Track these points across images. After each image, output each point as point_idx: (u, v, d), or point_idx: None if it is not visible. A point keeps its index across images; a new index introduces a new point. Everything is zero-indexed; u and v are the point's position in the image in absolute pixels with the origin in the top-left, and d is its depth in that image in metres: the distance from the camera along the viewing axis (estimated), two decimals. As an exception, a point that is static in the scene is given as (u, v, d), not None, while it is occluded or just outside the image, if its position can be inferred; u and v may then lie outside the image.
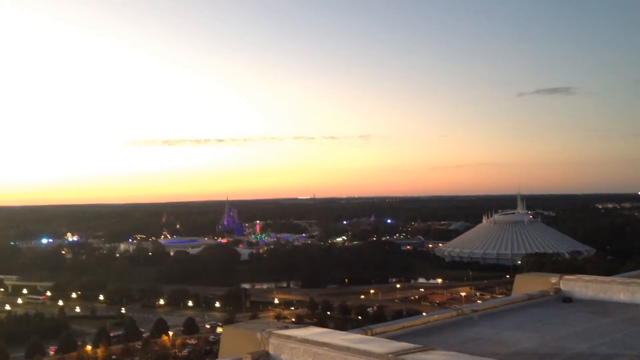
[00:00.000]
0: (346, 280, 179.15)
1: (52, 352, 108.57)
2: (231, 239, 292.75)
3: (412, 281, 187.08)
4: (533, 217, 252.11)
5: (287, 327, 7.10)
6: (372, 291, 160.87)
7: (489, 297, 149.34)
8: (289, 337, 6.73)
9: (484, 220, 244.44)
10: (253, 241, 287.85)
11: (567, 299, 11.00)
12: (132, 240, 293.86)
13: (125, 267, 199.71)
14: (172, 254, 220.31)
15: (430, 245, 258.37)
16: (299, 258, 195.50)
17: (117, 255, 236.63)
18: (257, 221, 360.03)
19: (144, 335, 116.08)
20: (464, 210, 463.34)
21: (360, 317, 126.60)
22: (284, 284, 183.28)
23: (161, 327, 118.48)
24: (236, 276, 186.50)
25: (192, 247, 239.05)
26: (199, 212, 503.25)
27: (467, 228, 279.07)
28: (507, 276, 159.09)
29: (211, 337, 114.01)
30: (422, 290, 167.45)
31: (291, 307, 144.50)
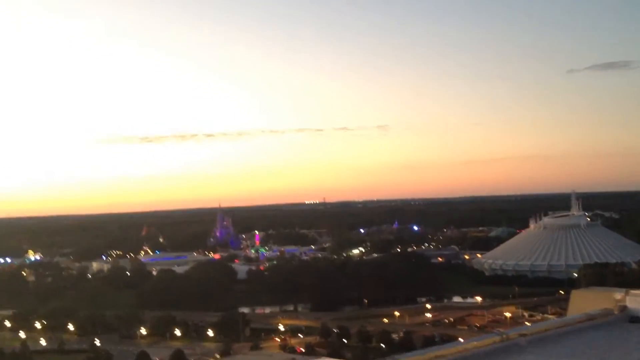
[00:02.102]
0: (365, 301, 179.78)
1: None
2: (225, 254, 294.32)
3: (446, 300, 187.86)
4: (591, 219, 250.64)
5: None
6: (397, 313, 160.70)
7: (539, 318, 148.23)
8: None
9: (532, 225, 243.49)
10: (252, 256, 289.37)
11: (636, 319, 10.91)
12: (107, 258, 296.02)
13: (99, 291, 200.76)
14: (154, 273, 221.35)
15: (466, 257, 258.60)
16: (308, 275, 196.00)
17: (89, 276, 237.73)
18: (256, 232, 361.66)
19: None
20: (507, 213, 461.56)
21: (383, 346, 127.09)
22: (291, 307, 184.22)
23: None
24: (232, 298, 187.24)
25: (179, 265, 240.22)
26: (187, 223, 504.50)
27: (511, 235, 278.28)
28: (561, 292, 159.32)
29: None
30: (458, 311, 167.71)
31: (300, 334, 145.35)
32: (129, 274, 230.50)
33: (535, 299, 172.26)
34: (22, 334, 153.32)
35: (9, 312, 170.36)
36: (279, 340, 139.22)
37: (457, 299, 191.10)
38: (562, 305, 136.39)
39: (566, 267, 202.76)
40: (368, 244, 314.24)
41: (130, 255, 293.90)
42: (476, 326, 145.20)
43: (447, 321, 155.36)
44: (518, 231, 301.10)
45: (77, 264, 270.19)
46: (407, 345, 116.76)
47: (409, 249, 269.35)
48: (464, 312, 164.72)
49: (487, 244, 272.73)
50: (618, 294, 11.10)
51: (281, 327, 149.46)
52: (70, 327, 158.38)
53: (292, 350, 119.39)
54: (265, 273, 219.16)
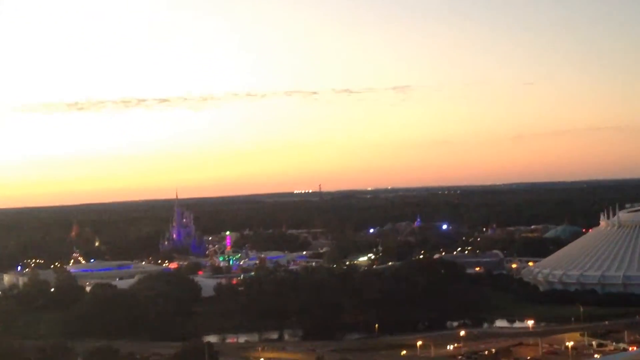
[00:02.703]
0: (376, 326, 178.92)
1: None
2: (185, 263, 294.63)
3: (486, 325, 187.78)
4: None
5: None
6: (419, 343, 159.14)
7: (612, 348, 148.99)
8: None
9: (602, 222, 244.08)
10: (221, 265, 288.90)
11: None
12: (22, 268, 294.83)
13: (13, 313, 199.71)
14: (88, 289, 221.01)
15: (513, 265, 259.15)
16: (298, 291, 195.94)
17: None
18: (228, 232, 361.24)
19: None
20: (568, 205, 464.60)
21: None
22: (274, 335, 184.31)
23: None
24: (195, 323, 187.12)
25: (122, 278, 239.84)
26: (132, 220, 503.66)
27: (575, 235, 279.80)
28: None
29: None
30: (503, 339, 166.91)
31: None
32: (53, 290, 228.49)
33: (606, 322, 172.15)
34: None
35: None
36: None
37: (500, 322, 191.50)
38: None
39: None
40: (380, 248, 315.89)
41: (56, 264, 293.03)
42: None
43: (487, 353, 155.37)
44: (584, 230, 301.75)
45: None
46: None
47: (436, 256, 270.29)
48: (511, 341, 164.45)
49: (541, 248, 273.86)
50: None
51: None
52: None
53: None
54: (240, 289, 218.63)
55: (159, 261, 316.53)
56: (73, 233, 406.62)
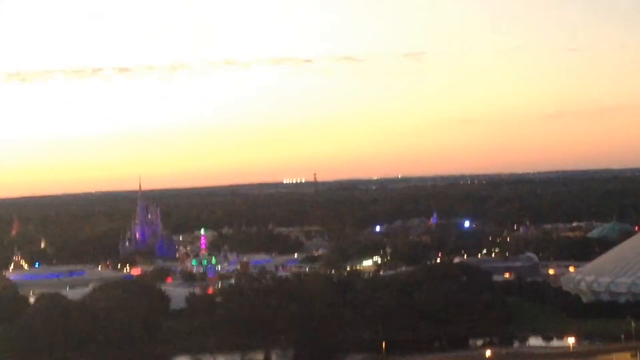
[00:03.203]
0: (383, 345, 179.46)
1: None
2: (150, 268, 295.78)
3: (517, 343, 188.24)
4: None
5: None
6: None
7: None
8: None
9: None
10: (194, 271, 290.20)
11: None
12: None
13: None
14: (32, 300, 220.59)
15: (551, 271, 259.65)
16: (288, 303, 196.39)
17: None
18: (202, 231, 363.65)
19: None
20: (618, 198, 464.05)
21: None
22: (259, 356, 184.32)
23: None
24: (163, 342, 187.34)
25: (73, 287, 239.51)
26: (85, 216, 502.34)
27: (625, 234, 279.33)
28: None
29: None
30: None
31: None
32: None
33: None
34: None
35: None
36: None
37: (535, 340, 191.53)
38: None
39: None
40: (388, 250, 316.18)
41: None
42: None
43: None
44: (637, 229, 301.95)
45: None
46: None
47: (456, 260, 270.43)
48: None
49: (584, 251, 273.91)
50: None
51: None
52: None
53: None
54: (217, 300, 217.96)
55: (119, 266, 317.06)
56: (13, 232, 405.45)
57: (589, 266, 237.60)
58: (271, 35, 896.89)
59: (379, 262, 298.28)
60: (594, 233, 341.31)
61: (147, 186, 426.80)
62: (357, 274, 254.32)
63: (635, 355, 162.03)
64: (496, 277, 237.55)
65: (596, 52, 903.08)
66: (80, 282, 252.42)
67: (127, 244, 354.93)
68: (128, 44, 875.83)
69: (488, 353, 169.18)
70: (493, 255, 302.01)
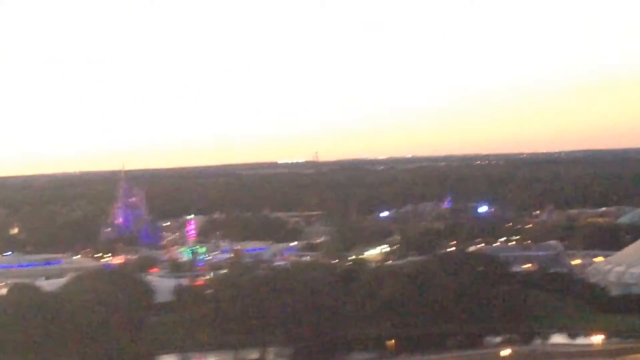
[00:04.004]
0: (390, 342, 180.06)
1: None
2: (134, 257, 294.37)
3: (539, 341, 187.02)
4: None
5: None
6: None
7: None
8: None
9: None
10: (182, 260, 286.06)
11: None
12: None
13: None
14: (4, 292, 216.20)
15: (576, 261, 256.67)
16: (286, 295, 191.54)
17: None
18: (192, 216, 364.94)
19: None
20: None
21: None
22: (254, 354, 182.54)
23: None
24: (148, 339, 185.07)
25: (49, 277, 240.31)
26: (62, 198, 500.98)
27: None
28: None
29: None
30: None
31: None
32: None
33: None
34: None
35: None
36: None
37: (559, 338, 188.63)
38: None
39: None
40: (396, 237, 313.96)
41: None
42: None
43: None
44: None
45: None
46: None
47: (472, 248, 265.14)
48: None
49: (614, 239, 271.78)
50: None
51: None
52: None
53: None
54: (208, 292, 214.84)
55: (99, 254, 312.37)
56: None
57: (619, 255, 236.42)
58: None
59: (387, 250, 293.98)
60: (625, 219, 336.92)
61: (130, 167, 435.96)
62: (361, 263, 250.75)
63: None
64: (516, 268, 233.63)
65: (631, 23, 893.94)
66: (56, 272, 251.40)
67: (107, 230, 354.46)
68: None
69: (507, 352, 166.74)
70: (512, 243, 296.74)
